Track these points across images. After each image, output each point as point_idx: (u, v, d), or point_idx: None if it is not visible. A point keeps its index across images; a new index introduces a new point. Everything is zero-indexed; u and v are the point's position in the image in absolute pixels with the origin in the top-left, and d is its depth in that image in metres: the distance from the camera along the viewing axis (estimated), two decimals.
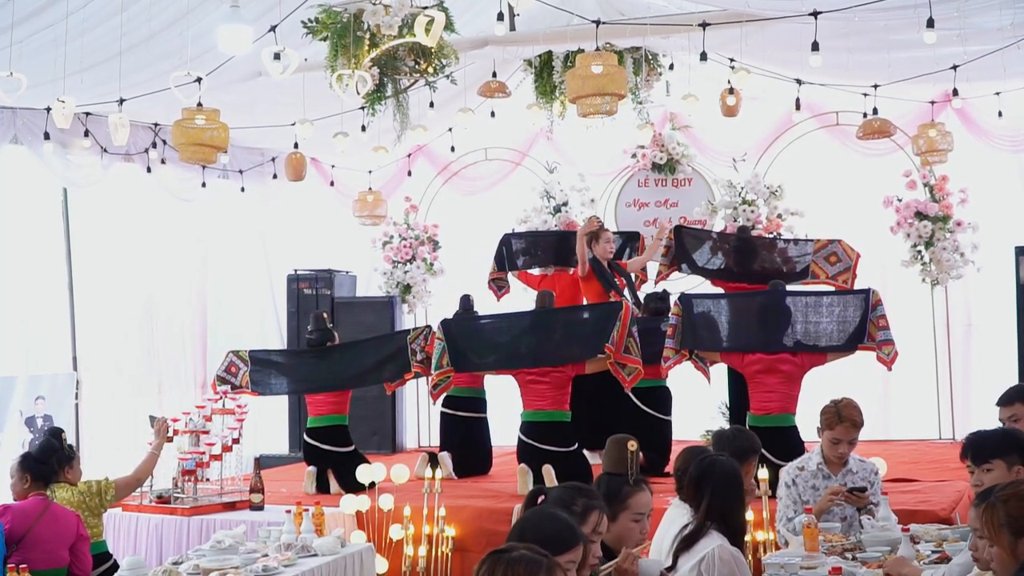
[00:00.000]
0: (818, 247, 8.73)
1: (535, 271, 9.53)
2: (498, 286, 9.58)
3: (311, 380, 8.06)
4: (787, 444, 6.82)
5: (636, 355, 7.30)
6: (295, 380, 8.13)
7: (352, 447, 8.00)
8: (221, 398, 7.40)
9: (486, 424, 8.79)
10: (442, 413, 8.78)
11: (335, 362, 8.09)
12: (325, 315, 8.62)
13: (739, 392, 7.71)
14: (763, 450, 6.44)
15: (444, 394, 7.76)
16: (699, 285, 9.52)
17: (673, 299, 7.84)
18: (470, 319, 8.27)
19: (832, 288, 8.43)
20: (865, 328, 6.95)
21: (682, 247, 9.07)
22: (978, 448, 4.13)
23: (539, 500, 3.38)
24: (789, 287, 7.85)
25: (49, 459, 5.55)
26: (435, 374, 7.56)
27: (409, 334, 8.07)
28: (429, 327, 8.03)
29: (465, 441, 8.56)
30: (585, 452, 7.70)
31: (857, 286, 8.39)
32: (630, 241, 9.47)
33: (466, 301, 9.00)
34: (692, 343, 7.27)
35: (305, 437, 8.04)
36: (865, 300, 7.03)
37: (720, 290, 8.85)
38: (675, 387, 8.32)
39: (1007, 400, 4.92)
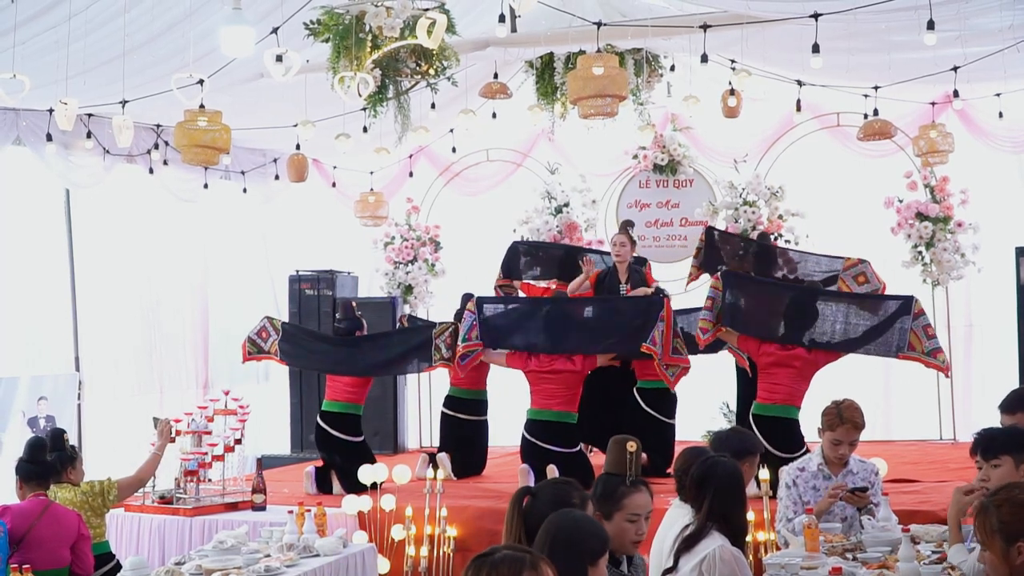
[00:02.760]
0: (848, 265, 8.49)
1: (539, 283, 9.50)
2: (506, 293, 9.57)
3: (335, 363, 8.11)
4: (788, 436, 6.85)
5: (684, 354, 7.35)
6: (318, 359, 8.24)
7: (361, 438, 8.02)
8: (255, 347, 7.51)
9: (486, 426, 8.80)
10: (442, 414, 8.80)
11: (361, 350, 8.14)
12: (354, 304, 8.68)
13: (745, 392, 7.72)
14: (764, 441, 6.50)
15: (473, 364, 7.82)
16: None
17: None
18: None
19: (872, 293, 8.29)
20: (907, 337, 6.91)
21: (712, 249, 8.91)
22: (988, 443, 4.16)
23: (525, 500, 3.39)
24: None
25: (37, 457, 5.52)
26: (462, 346, 7.64)
27: (435, 328, 8.09)
28: (455, 324, 8.03)
29: (462, 442, 8.56)
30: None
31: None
32: (636, 265, 9.41)
33: (468, 300, 9.00)
34: (728, 320, 7.21)
35: (318, 420, 8.06)
36: (907, 308, 6.95)
37: None
38: (679, 389, 8.32)
39: (1010, 408, 4.86)
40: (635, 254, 8.80)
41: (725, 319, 7.20)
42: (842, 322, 7.07)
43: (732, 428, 6.26)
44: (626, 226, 8.73)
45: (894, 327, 6.95)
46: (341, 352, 8.13)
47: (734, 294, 7.24)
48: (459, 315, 8.35)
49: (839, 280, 8.59)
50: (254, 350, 7.97)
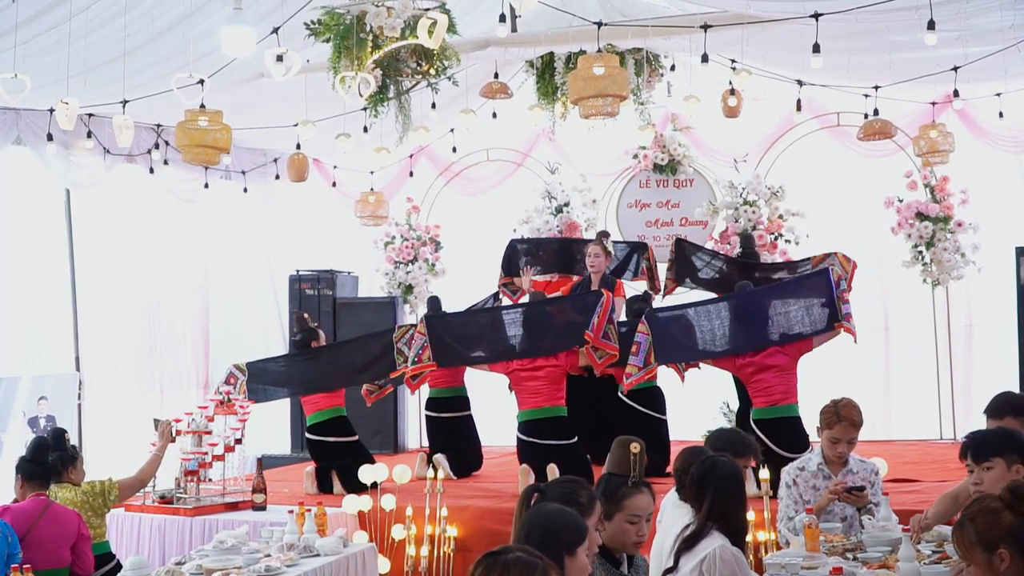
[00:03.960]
0: (816, 262, 8.52)
1: (539, 277, 9.51)
2: (511, 291, 9.58)
3: (304, 382, 8.15)
4: (792, 435, 6.86)
5: (614, 342, 7.37)
6: (289, 384, 8.25)
7: (355, 436, 8.05)
8: (224, 397, 7.42)
9: (472, 421, 8.79)
10: (426, 416, 8.81)
11: (325, 362, 8.18)
12: (307, 316, 8.69)
13: (745, 393, 7.72)
14: (770, 443, 6.49)
15: (423, 384, 7.97)
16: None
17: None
18: (457, 313, 8.31)
19: (788, 275, 8.44)
20: (836, 306, 6.99)
21: (683, 260, 9.06)
22: (979, 447, 4.13)
23: (534, 497, 3.39)
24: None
25: (40, 457, 5.53)
26: (411, 368, 7.64)
27: (394, 332, 8.11)
28: (414, 326, 8.04)
29: (453, 442, 8.53)
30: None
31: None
32: (637, 250, 9.44)
33: (435, 303, 9.00)
34: (666, 358, 7.25)
35: (307, 435, 8.07)
36: (827, 279, 7.07)
37: None
38: (676, 388, 8.32)
39: (996, 412, 4.78)
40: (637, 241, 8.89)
41: (661, 358, 7.16)
42: (794, 311, 7.09)
43: (728, 428, 6.27)
44: (601, 237, 8.71)
45: (829, 300, 7.02)
46: (306, 368, 8.16)
47: (667, 330, 7.22)
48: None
49: None
50: (225, 399, 7.81)
